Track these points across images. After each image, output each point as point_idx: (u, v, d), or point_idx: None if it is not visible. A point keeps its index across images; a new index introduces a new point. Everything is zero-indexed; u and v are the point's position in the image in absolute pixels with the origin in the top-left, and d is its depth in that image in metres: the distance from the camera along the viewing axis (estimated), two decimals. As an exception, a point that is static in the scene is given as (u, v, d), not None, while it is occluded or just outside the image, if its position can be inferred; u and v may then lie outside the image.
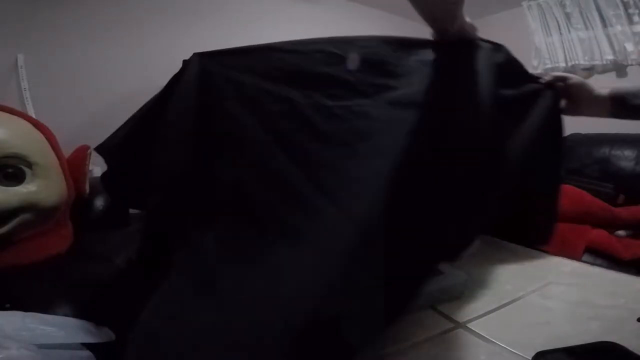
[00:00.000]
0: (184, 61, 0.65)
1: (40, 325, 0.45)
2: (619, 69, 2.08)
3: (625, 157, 1.71)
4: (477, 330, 0.47)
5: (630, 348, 0.38)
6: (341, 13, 2.41)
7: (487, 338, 0.45)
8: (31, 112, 1.33)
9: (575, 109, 0.74)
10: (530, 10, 2.36)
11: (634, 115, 0.68)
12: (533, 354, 0.39)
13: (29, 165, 0.75)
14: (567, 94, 0.73)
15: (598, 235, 1.08)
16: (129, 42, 1.65)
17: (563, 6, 2.20)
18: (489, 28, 3.01)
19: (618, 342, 0.39)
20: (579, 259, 0.76)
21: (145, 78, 1.60)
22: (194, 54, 0.65)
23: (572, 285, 0.60)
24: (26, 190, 0.73)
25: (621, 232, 1.17)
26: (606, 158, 1.77)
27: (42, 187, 0.76)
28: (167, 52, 1.45)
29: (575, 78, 0.75)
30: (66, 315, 0.52)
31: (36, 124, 0.85)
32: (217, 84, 0.65)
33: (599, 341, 0.39)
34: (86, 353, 0.45)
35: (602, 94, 0.71)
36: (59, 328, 0.46)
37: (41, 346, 0.42)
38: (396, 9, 2.60)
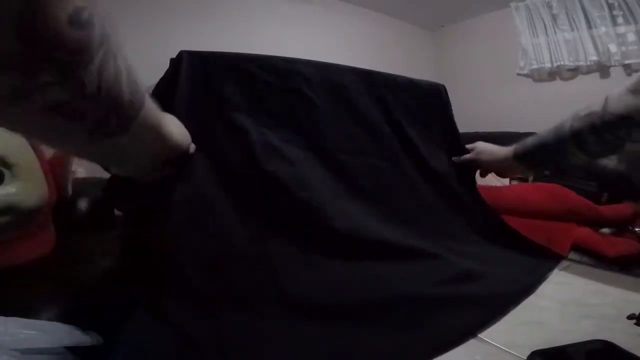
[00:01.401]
0: (172, 60, 0.63)
1: (23, 329, 0.43)
2: (603, 70, 2.13)
3: (608, 157, 1.75)
4: (471, 331, 0.47)
5: (622, 345, 0.38)
6: (334, 13, 2.41)
7: (481, 338, 0.45)
8: (11, 110, 1.28)
9: (495, 172, 0.81)
10: (517, 11, 2.39)
11: (549, 168, 0.69)
12: (528, 353, 0.39)
13: (8, 166, 0.72)
14: (477, 162, 0.80)
15: (583, 233, 1.10)
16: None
17: (550, 7, 2.24)
18: (478, 28, 3.07)
19: (610, 340, 0.39)
20: (565, 257, 0.77)
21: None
22: (183, 51, 0.63)
23: (562, 283, 0.60)
24: (5, 192, 0.70)
25: (605, 230, 1.19)
26: (590, 157, 1.80)
27: (22, 189, 0.73)
28: (156, 51, 1.42)
29: (477, 146, 0.80)
30: (50, 319, 0.50)
31: (16, 122, 0.82)
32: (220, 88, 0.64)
33: (592, 339, 0.40)
34: (72, 358, 0.44)
35: (506, 157, 0.72)
36: (43, 332, 0.44)
37: (24, 351, 0.40)
38: (389, 10, 2.61)
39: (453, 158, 0.87)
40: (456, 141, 0.96)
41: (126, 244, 0.64)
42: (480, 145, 0.81)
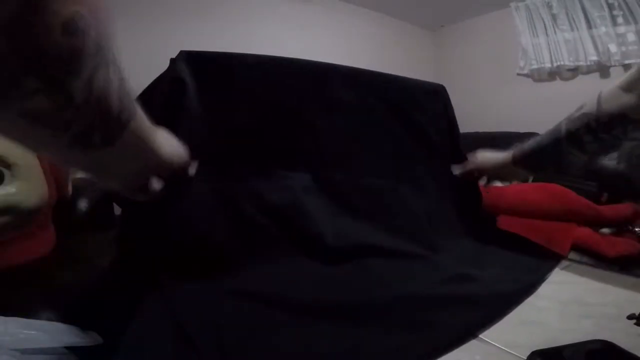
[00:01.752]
0: (172, 60, 0.63)
1: (23, 329, 0.43)
2: (603, 70, 2.13)
3: (608, 156, 1.75)
4: (472, 331, 0.47)
5: (622, 345, 0.38)
6: (334, 13, 2.40)
7: (481, 338, 0.45)
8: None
9: (498, 179, 0.84)
10: (517, 11, 2.39)
11: (549, 169, 0.71)
12: (528, 353, 0.39)
13: (8, 166, 0.72)
14: (479, 171, 0.82)
15: (583, 233, 1.10)
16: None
17: (550, 7, 2.24)
18: (478, 28, 3.06)
19: (610, 339, 0.39)
20: (565, 257, 0.77)
21: (131, 77, 1.57)
22: (182, 51, 0.63)
23: (562, 283, 0.60)
24: (5, 192, 0.70)
25: (605, 230, 1.19)
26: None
27: (21, 189, 0.73)
28: (156, 51, 1.42)
29: (477, 155, 0.82)
30: (50, 319, 0.50)
31: (16, 122, 0.82)
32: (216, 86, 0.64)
33: (592, 339, 0.40)
34: (72, 357, 0.43)
35: (505, 163, 0.74)
36: (43, 332, 0.44)
37: (24, 351, 0.40)
38: (389, 10, 2.61)
39: (454, 168, 0.88)
40: (456, 145, 0.96)
41: (124, 243, 0.64)
42: (480, 153, 0.83)
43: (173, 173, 0.45)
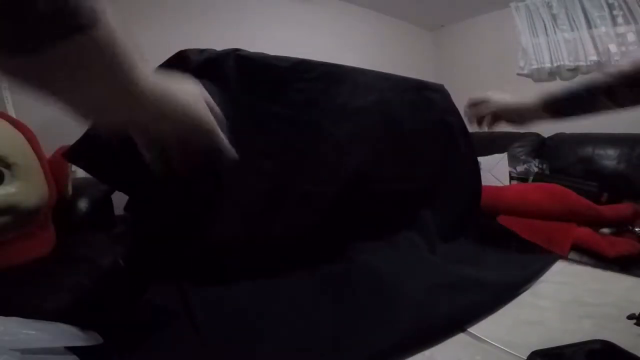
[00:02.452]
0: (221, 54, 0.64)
1: (23, 329, 0.43)
2: (603, 70, 2.13)
3: (608, 156, 1.75)
4: (472, 331, 0.47)
5: (622, 346, 0.38)
6: (334, 13, 2.40)
7: (482, 339, 0.45)
8: (11, 112, 1.28)
9: (518, 124, 0.76)
10: (517, 11, 2.39)
11: (577, 115, 0.70)
12: (528, 353, 0.39)
13: (8, 166, 0.72)
14: (498, 117, 0.76)
15: (583, 233, 1.11)
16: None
17: (550, 7, 2.24)
18: (478, 28, 3.04)
19: (610, 339, 0.39)
20: (565, 257, 0.77)
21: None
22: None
23: (563, 283, 0.60)
24: (5, 192, 0.71)
25: (605, 230, 1.19)
26: (590, 157, 1.80)
27: (21, 189, 0.73)
28: (155, 50, 1.42)
29: (493, 100, 0.76)
30: (50, 319, 0.51)
31: (16, 124, 0.83)
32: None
33: (592, 340, 0.40)
34: (72, 358, 0.44)
35: (534, 106, 0.71)
36: (43, 332, 0.44)
37: (24, 351, 0.40)
38: (389, 10, 2.61)
39: (467, 103, 0.80)
40: (466, 142, 0.95)
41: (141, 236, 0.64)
42: (492, 93, 0.77)
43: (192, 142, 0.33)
